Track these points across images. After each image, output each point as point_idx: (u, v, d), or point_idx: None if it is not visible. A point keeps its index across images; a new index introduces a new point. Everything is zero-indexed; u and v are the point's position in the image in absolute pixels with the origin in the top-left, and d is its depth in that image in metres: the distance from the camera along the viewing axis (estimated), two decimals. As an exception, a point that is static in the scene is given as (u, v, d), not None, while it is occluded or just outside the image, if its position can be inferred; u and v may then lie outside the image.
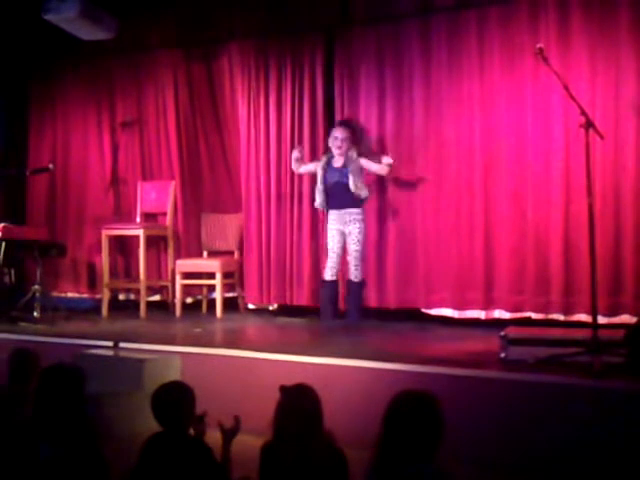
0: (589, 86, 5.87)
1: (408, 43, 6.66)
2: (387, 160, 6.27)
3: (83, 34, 7.39)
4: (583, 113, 4.68)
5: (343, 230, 6.23)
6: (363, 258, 6.25)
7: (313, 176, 6.89)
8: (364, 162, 6.36)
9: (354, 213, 6.24)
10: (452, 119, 6.47)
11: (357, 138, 6.59)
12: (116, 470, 3.14)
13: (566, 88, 4.79)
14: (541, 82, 5.98)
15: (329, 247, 6.34)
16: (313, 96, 7.04)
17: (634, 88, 5.77)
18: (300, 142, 7.00)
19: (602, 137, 4.89)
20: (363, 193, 6.27)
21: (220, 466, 3.14)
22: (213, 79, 7.70)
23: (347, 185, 6.26)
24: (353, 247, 6.17)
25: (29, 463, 2.91)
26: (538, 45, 4.84)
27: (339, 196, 6.28)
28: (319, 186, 6.44)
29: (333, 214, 6.33)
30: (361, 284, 6.26)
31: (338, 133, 6.43)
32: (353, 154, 6.37)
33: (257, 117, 7.27)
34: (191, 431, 3.19)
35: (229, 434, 3.19)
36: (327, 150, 6.60)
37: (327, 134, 6.87)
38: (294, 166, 6.66)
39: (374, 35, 6.81)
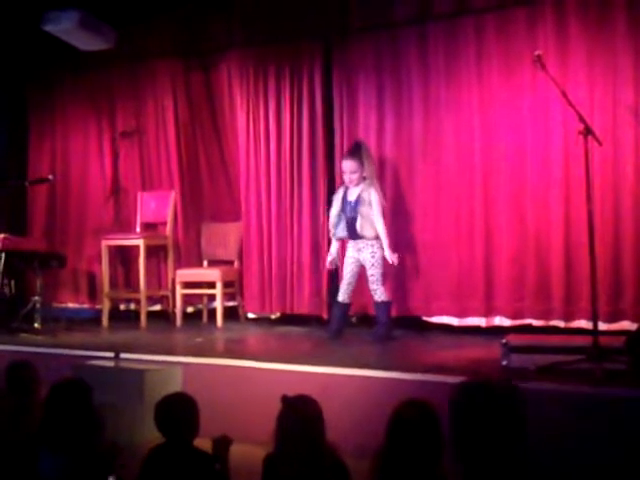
0: (587, 92, 5.87)
1: (406, 51, 6.66)
2: (391, 257, 6.09)
3: (82, 44, 7.41)
4: (582, 120, 4.68)
5: (358, 257, 6.18)
6: (380, 281, 6.11)
7: (312, 186, 6.92)
8: (377, 215, 6.05)
9: (366, 240, 6.12)
10: (451, 126, 6.47)
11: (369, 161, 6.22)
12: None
13: (564, 95, 4.81)
14: (539, 89, 5.99)
15: (343, 274, 6.29)
16: (312, 104, 7.04)
17: (632, 94, 5.77)
18: (299, 150, 7.02)
19: (600, 144, 4.88)
20: (368, 234, 6.08)
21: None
22: (212, 88, 7.71)
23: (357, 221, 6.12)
24: (368, 272, 6.13)
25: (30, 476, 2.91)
26: (536, 52, 4.86)
27: (352, 228, 6.14)
28: (340, 215, 6.19)
29: (350, 242, 6.24)
30: (382, 303, 6.12)
31: (345, 167, 6.19)
32: (369, 195, 6.08)
33: (256, 126, 7.27)
34: (199, 445, 3.17)
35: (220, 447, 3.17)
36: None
37: (326, 142, 6.92)
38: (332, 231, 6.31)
39: (372, 43, 6.82)
